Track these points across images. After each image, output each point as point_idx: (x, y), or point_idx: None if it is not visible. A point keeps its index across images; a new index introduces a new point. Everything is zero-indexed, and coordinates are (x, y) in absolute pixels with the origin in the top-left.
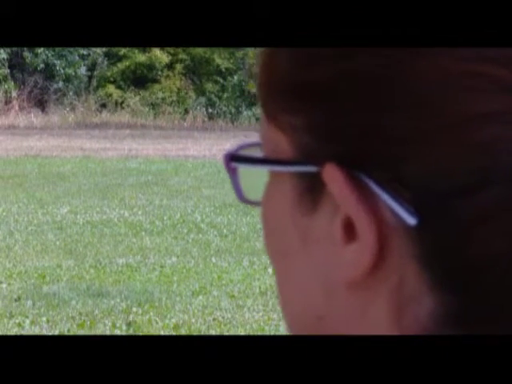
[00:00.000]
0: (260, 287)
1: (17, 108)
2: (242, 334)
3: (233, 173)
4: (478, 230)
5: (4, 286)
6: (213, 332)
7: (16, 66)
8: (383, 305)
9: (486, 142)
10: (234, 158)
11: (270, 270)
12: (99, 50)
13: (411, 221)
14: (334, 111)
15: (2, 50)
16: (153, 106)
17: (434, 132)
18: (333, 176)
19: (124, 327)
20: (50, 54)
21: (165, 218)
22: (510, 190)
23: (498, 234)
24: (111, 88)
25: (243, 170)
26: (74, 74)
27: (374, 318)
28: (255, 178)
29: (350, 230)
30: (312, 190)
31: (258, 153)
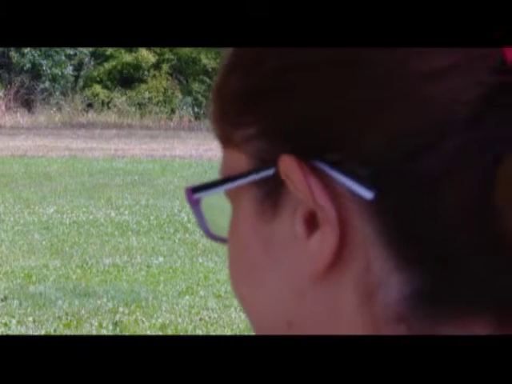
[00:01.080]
0: None
1: (3, 108)
2: (229, 333)
3: (196, 205)
4: (440, 190)
5: None
6: (199, 332)
7: (2, 65)
8: (352, 295)
9: (439, 97)
10: (196, 189)
11: None
12: (86, 50)
13: (368, 195)
14: (279, 110)
15: None
16: (139, 105)
17: (384, 99)
18: (289, 166)
19: (110, 327)
20: (36, 54)
21: (151, 217)
22: (465, 142)
23: (461, 190)
24: (98, 88)
25: (207, 204)
26: (60, 73)
27: (345, 311)
28: (219, 213)
29: (311, 223)
30: (271, 194)
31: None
